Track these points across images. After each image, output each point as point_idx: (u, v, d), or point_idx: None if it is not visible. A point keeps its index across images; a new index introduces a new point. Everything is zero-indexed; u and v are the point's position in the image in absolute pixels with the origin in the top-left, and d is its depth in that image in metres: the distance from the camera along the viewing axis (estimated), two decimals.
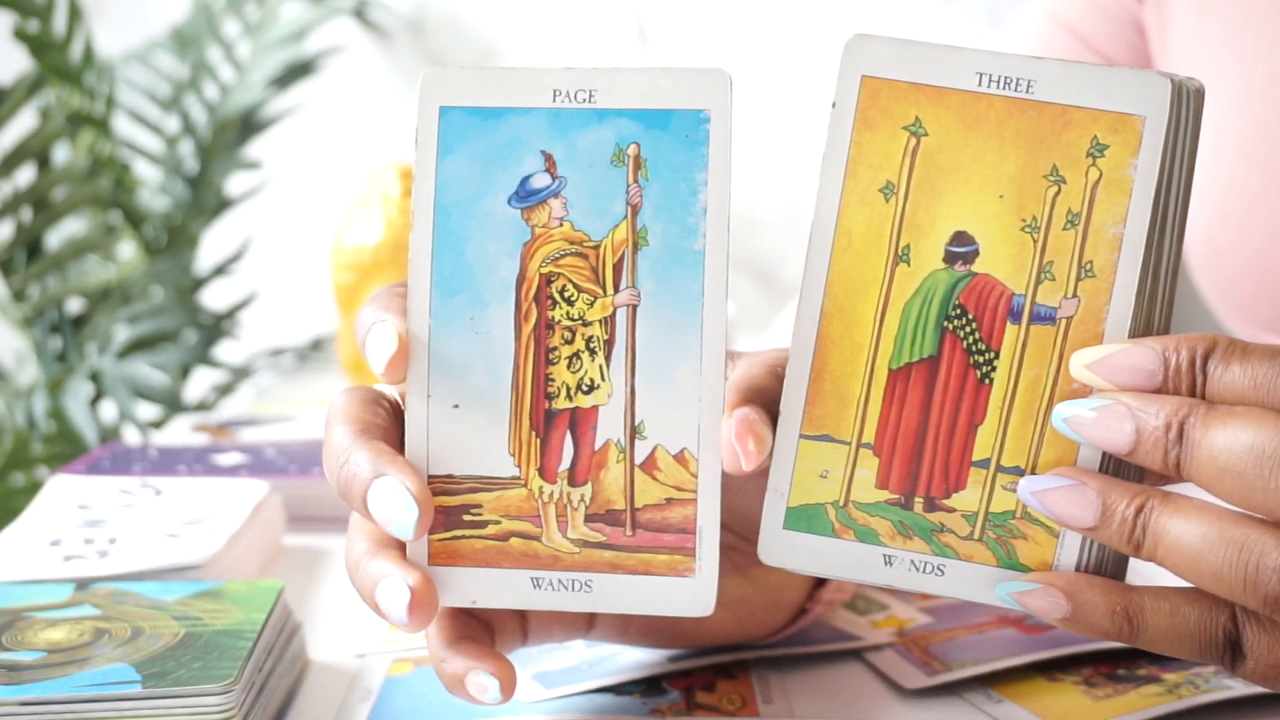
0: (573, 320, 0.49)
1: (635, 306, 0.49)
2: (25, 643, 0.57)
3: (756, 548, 0.50)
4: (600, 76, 0.49)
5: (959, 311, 0.48)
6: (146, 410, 1.72)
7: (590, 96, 0.49)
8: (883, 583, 0.49)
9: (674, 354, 0.49)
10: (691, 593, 0.49)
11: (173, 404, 1.61)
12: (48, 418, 1.59)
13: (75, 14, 1.74)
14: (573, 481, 0.50)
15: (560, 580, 0.50)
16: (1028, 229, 0.47)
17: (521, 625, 0.55)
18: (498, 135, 0.49)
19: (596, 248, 0.49)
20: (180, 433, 1.00)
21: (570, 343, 0.49)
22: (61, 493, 0.79)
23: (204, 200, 1.82)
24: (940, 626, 0.62)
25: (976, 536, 0.48)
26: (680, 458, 0.49)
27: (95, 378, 1.61)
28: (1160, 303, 0.48)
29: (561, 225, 0.49)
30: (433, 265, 0.49)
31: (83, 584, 0.64)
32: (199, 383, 1.92)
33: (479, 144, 0.49)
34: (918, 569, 0.49)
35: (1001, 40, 1.48)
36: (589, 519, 0.50)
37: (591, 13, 1.87)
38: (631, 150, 0.49)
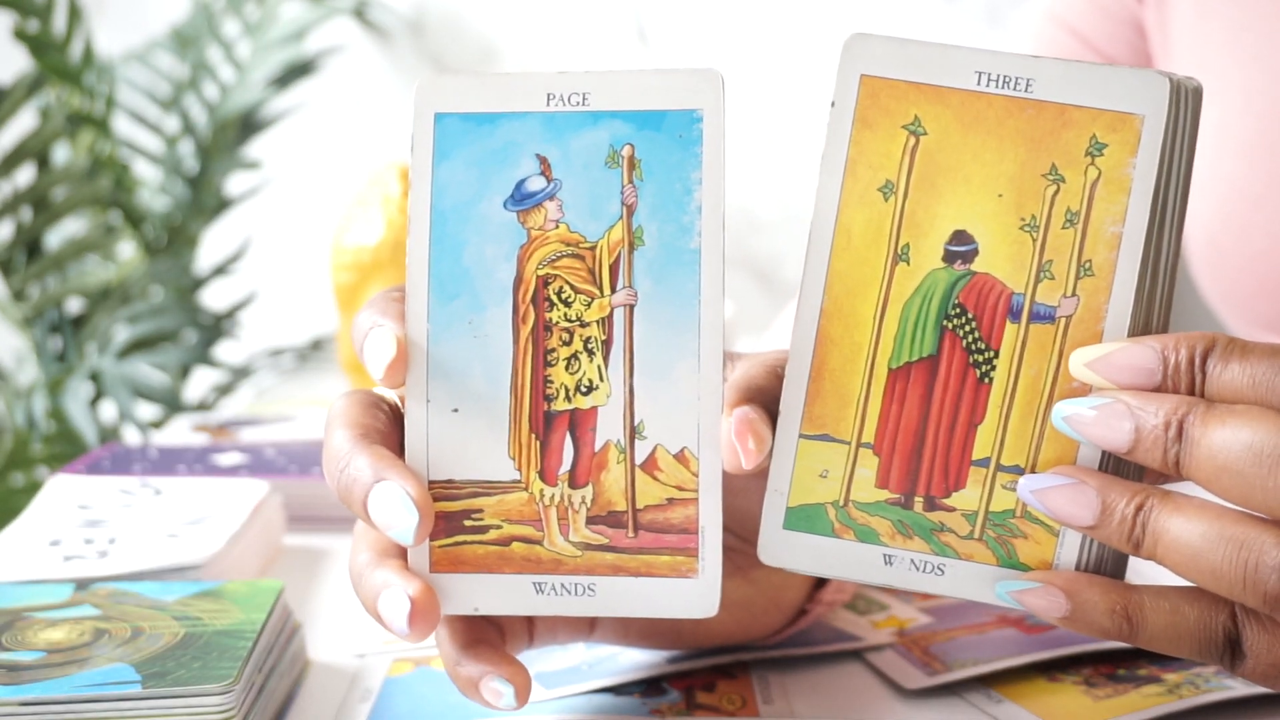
0: (570, 321, 0.49)
1: (632, 306, 0.49)
2: (25, 643, 0.57)
3: (756, 548, 0.50)
4: (593, 79, 0.49)
5: (958, 310, 0.48)
6: (146, 410, 1.72)
7: (584, 99, 0.49)
8: (883, 582, 0.49)
9: (672, 353, 0.49)
10: (695, 593, 0.49)
11: (173, 404, 1.61)
12: (48, 418, 1.59)
13: (75, 14, 1.74)
14: (573, 484, 0.50)
15: (563, 584, 0.50)
16: (1027, 228, 0.47)
17: (528, 628, 0.55)
18: (492, 140, 0.49)
19: (593, 248, 0.49)
20: (180, 433, 1.00)
21: (568, 344, 0.49)
22: (61, 493, 0.79)
23: (204, 200, 1.82)
24: (940, 626, 0.62)
25: (976, 536, 0.48)
26: (681, 457, 0.49)
27: (95, 378, 1.61)
28: (1159, 301, 0.48)
29: (557, 227, 0.49)
30: (430, 270, 0.50)
31: (83, 584, 0.64)
32: (199, 383, 1.92)
33: (474, 149, 0.49)
34: (918, 568, 0.49)
35: (1001, 40, 1.48)
36: (590, 521, 0.50)
37: (591, 13, 1.87)
38: (626, 151, 0.49)
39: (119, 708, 0.53)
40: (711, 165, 0.49)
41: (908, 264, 0.48)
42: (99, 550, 0.69)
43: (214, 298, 1.91)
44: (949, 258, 0.48)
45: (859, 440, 0.49)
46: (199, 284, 1.80)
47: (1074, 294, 0.47)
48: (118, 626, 0.58)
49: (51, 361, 1.75)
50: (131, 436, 1.60)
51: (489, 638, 0.52)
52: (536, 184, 0.49)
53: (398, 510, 0.48)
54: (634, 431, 0.49)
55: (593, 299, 0.49)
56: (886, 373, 0.48)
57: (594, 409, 0.49)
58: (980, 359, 0.48)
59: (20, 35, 1.70)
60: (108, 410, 1.76)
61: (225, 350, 1.89)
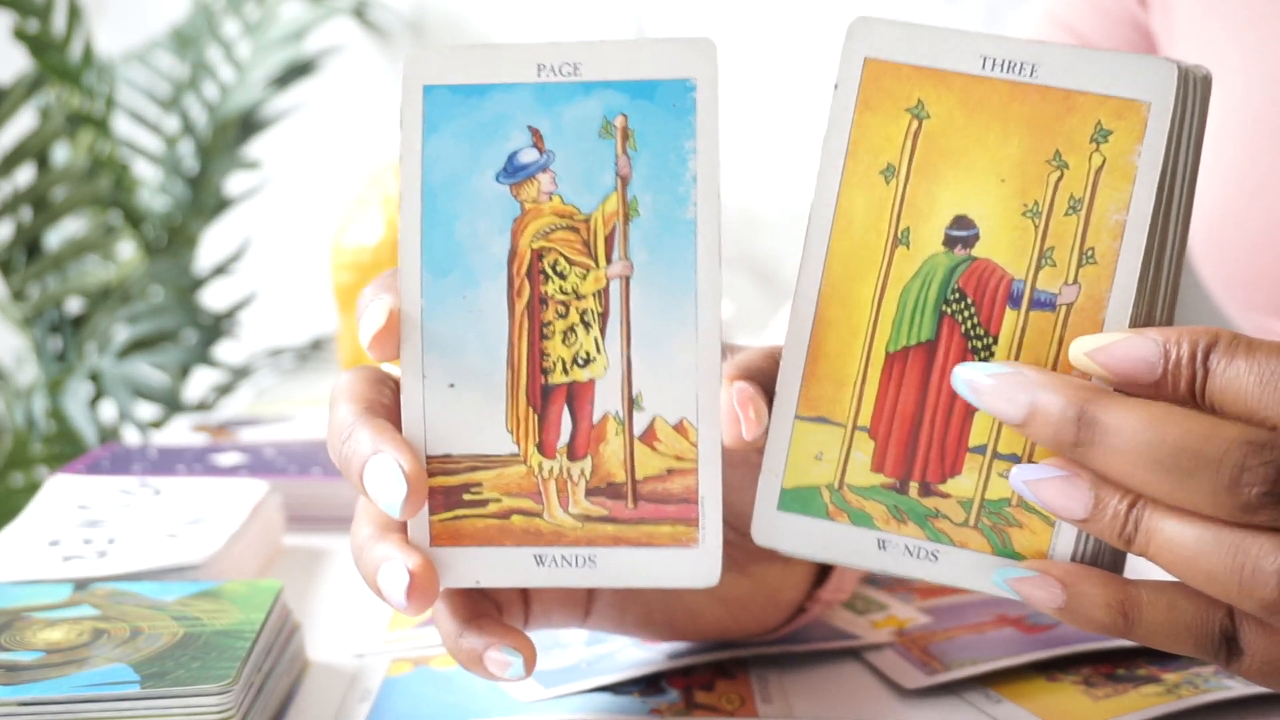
0: (566, 294, 0.49)
1: (628, 278, 0.49)
2: (24, 643, 0.57)
3: (738, 549, 0.50)
4: (585, 49, 0.48)
5: (958, 295, 0.47)
6: (146, 410, 1.72)
7: (575, 69, 0.48)
8: (876, 567, 0.49)
9: (669, 324, 0.49)
10: (696, 563, 0.49)
11: (172, 404, 1.61)
12: (47, 418, 1.59)
13: (75, 14, 1.74)
14: (572, 456, 0.49)
15: (564, 556, 0.49)
16: (1029, 214, 0.47)
17: (524, 607, 0.55)
18: (483, 112, 0.49)
19: (587, 220, 0.49)
20: (180, 433, 1.00)
21: (564, 317, 0.49)
22: (61, 493, 0.79)
23: (204, 200, 1.82)
24: (939, 626, 0.62)
25: (971, 524, 0.48)
26: (680, 428, 0.49)
27: (95, 378, 1.61)
28: (1163, 291, 0.47)
29: (551, 199, 0.49)
30: (422, 246, 0.49)
31: (82, 584, 0.63)
32: (199, 383, 1.93)
33: (464, 121, 0.49)
34: (911, 554, 0.48)
35: None
36: (590, 493, 0.49)
37: (591, 12, 1.87)
38: (619, 122, 0.48)
39: (118, 708, 0.53)
40: (706, 134, 0.48)
41: (908, 248, 0.48)
42: (98, 550, 0.69)
43: (214, 298, 1.91)
44: (949, 242, 0.47)
45: (855, 423, 0.48)
46: (199, 284, 1.80)
47: (1075, 282, 0.46)
48: (117, 626, 0.58)
49: (51, 361, 1.75)
50: (131, 436, 1.61)
51: (489, 612, 0.52)
52: (529, 156, 0.49)
53: (389, 482, 0.48)
54: (632, 403, 0.49)
55: (588, 271, 0.49)
56: (884, 356, 0.48)
57: (591, 381, 0.49)
58: (979, 345, 0.47)
59: (20, 35, 1.70)
60: (107, 410, 1.76)
61: (225, 350, 1.89)
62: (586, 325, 0.49)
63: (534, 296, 0.49)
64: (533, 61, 0.49)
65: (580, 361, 0.49)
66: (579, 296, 0.49)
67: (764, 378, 0.49)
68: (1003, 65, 0.47)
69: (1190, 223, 0.48)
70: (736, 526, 0.55)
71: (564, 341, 0.49)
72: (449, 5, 1.92)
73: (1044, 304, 0.47)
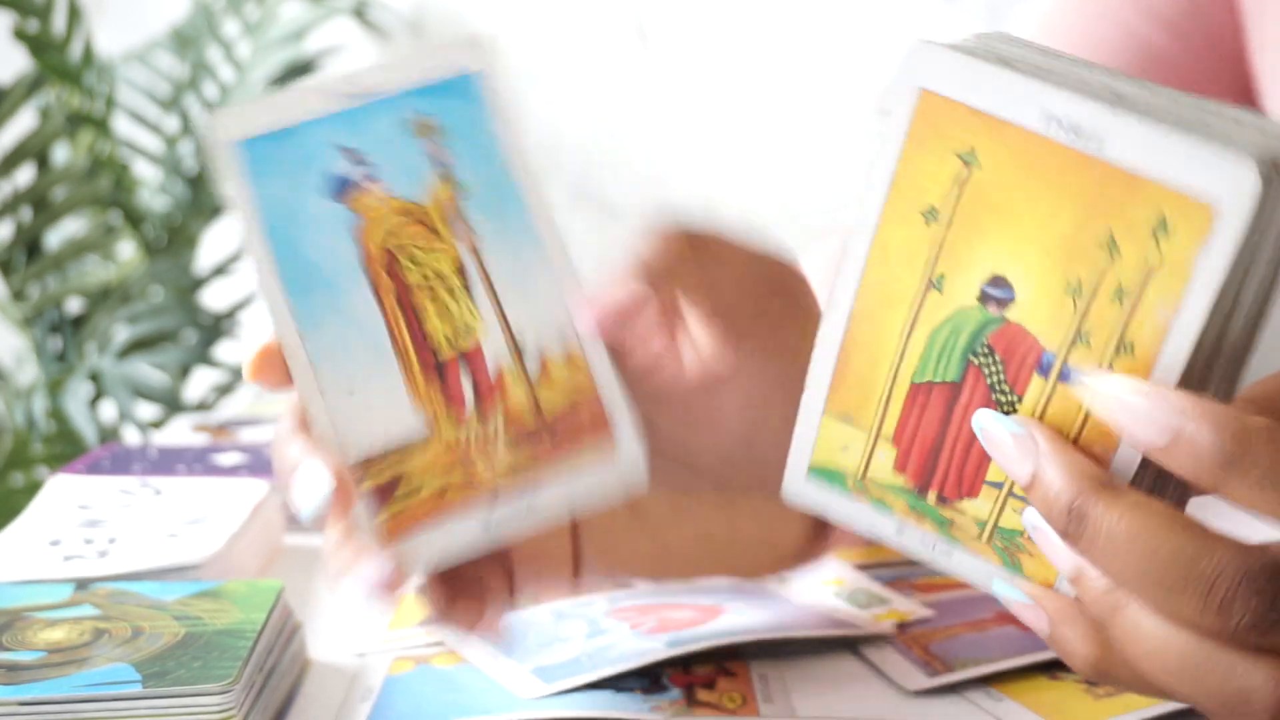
0: (429, 278, 0.53)
1: (477, 246, 0.53)
2: (25, 643, 0.57)
3: (724, 484, 0.51)
4: (375, 71, 0.53)
5: (987, 350, 0.45)
6: (146, 410, 1.72)
7: (371, 89, 0.52)
8: (894, 545, 0.48)
9: (526, 272, 0.54)
10: (619, 470, 0.54)
11: (173, 404, 1.61)
12: (48, 418, 1.59)
13: (75, 14, 1.74)
14: (482, 418, 0.53)
15: (505, 512, 0.53)
16: (1071, 291, 0.43)
17: (508, 583, 0.56)
18: (299, 148, 0.52)
19: (426, 209, 0.53)
20: (180, 433, 1.00)
21: (435, 299, 0.53)
22: (61, 493, 0.79)
23: (204, 200, 1.82)
24: (941, 623, 0.62)
25: (984, 540, 0.47)
26: (569, 360, 0.54)
27: (95, 378, 1.61)
28: (1214, 383, 0.43)
29: (385, 202, 0.52)
30: (280, 278, 0.51)
31: (82, 584, 0.63)
32: (199, 383, 1.92)
33: (284, 161, 0.52)
34: (927, 545, 0.48)
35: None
36: (509, 445, 0.53)
37: (591, 13, 1.87)
38: (424, 120, 0.53)
39: (119, 707, 0.53)
40: (502, 114, 0.54)
41: (940, 293, 0.46)
42: (99, 550, 0.69)
43: (214, 298, 1.91)
44: (984, 299, 0.45)
45: (879, 432, 0.48)
46: (199, 284, 1.80)
47: (1109, 369, 0.43)
48: (118, 626, 0.58)
49: (51, 361, 1.75)
50: (131, 436, 1.61)
51: (466, 592, 0.54)
52: (352, 173, 0.52)
53: (309, 488, 0.50)
54: (520, 351, 0.53)
55: (440, 251, 0.53)
56: (909, 384, 0.47)
57: (479, 345, 0.53)
58: (1003, 399, 0.45)
59: (20, 35, 1.70)
60: (108, 410, 1.76)
61: (225, 350, 1.89)
62: (456, 298, 0.53)
63: (399, 288, 0.52)
64: (331, 93, 0.52)
65: (463, 331, 0.53)
66: (440, 276, 0.53)
67: (655, 265, 0.53)
68: (1068, 128, 0.42)
69: (1266, 322, 0.44)
70: (701, 467, 0.56)
71: (441, 319, 0.53)
72: (449, 5, 1.92)
73: (1073, 379, 0.44)
